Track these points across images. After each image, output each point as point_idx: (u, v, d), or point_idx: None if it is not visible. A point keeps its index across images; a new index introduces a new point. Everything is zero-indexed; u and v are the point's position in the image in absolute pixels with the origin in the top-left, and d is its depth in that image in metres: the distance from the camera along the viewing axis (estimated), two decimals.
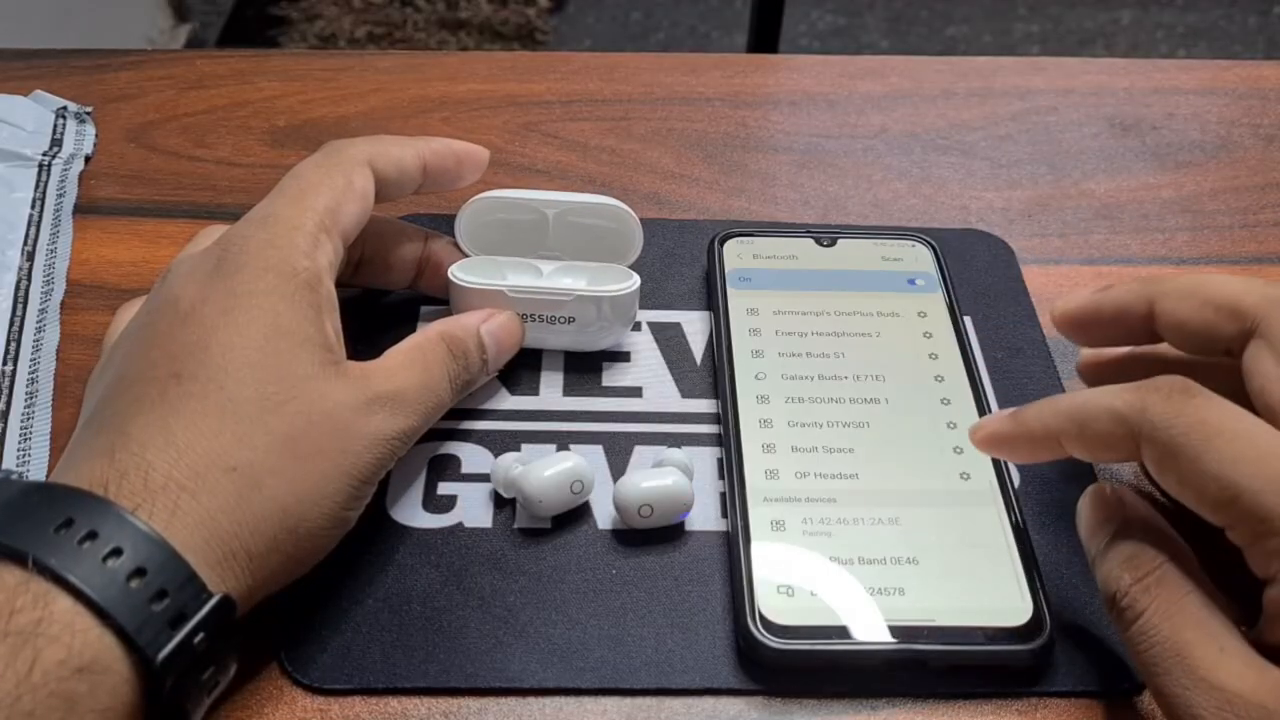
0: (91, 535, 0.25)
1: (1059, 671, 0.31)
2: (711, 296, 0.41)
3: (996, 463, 0.35)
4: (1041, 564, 0.32)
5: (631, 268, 0.39)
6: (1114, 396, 0.29)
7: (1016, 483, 0.35)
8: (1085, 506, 0.31)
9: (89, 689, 0.24)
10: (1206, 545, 0.29)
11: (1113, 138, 0.51)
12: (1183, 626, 0.27)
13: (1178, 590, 0.28)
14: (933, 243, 0.43)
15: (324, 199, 0.33)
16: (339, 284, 0.33)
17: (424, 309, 0.40)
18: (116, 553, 0.25)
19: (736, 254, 0.42)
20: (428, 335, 0.34)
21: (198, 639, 0.25)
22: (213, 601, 0.26)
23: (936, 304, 0.40)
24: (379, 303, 0.40)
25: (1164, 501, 0.33)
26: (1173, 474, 0.27)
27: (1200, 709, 0.26)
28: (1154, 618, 0.27)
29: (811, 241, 0.43)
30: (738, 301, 0.40)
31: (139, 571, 0.25)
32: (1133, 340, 0.34)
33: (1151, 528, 0.29)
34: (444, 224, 0.41)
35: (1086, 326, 0.34)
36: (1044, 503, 0.35)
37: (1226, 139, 0.51)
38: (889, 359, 0.38)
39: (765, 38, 1.21)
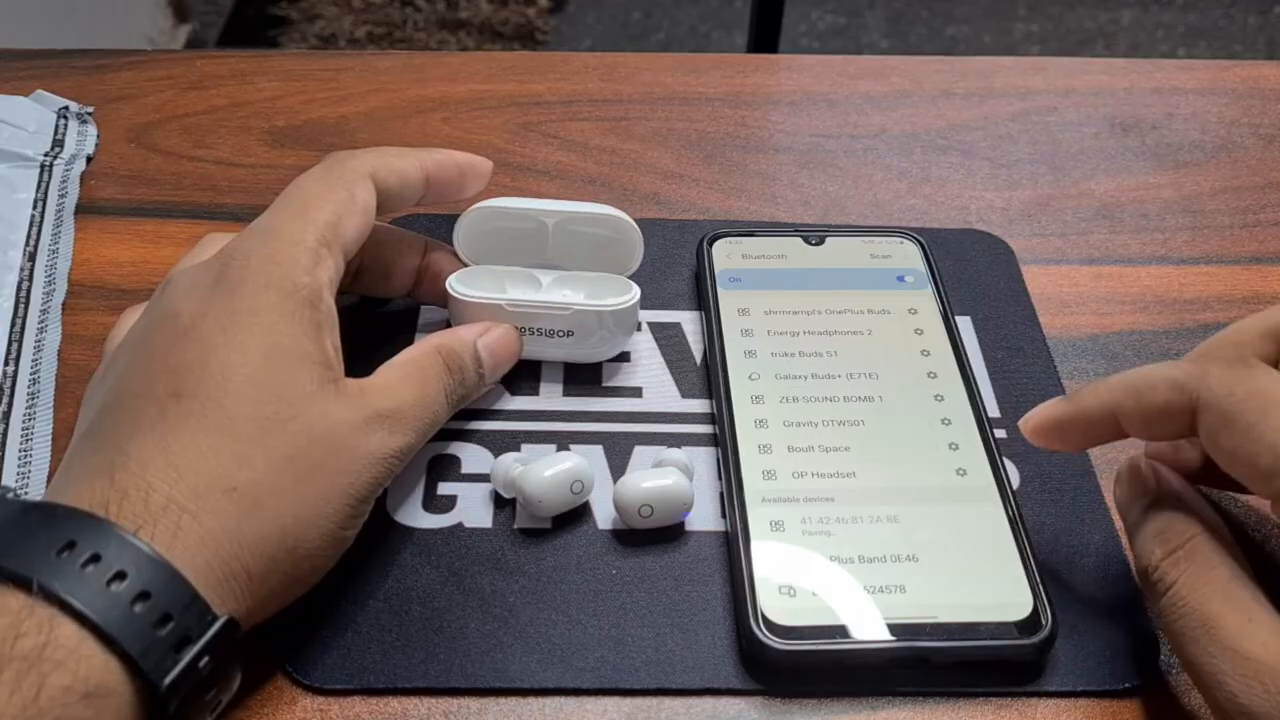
0: (95, 558, 0.25)
1: (1060, 669, 0.31)
2: (702, 297, 0.41)
3: (992, 458, 0.35)
4: (1041, 561, 0.32)
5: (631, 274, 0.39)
6: (1172, 367, 0.29)
7: (1015, 480, 0.35)
8: (1121, 481, 0.32)
9: (95, 714, 0.24)
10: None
11: (1113, 138, 0.51)
12: (1210, 598, 0.27)
13: (1207, 563, 0.28)
14: (920, 239, 0.43)
15: (326, 213, 0.32)
16: (338, 292, 0.33)
17: (424, 311, 0.40)
18: (120, 576, 0.25)
19: (725, 254, 0.42)
20: (424, 350, 0.34)
21: (203, 662, 0.25)
22: (217, 624, 0.26)
23: (926, 300, 0.40)
24: (378, 310, 0.40)
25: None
26: (1228, 443, 0.28)
27: (1227, 677, 0.26)
28: (1182, 590, 0.28)
29: (800, 240, 0.43)
30: (728, 302, 0.40)
31: (143, 595, 0.25)
32: (1107, 440, 0.32)
33: (1183, 501, 0.30)
34: (443, 225, 0.41)
35: (1068, 431, 0.32)
36: (1043, 500, 0.35)
37: (1226, 139, 0.51)
38: (881, 356, 0.38)
39: (765, 38, 1.21)
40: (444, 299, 0.38)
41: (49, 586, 0.24)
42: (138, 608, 0.25)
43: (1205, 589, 0.28)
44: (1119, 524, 0.35)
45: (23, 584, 0.24)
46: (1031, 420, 0.32)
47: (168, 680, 0.25)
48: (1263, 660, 0.26)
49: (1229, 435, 0.28)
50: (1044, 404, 0.32)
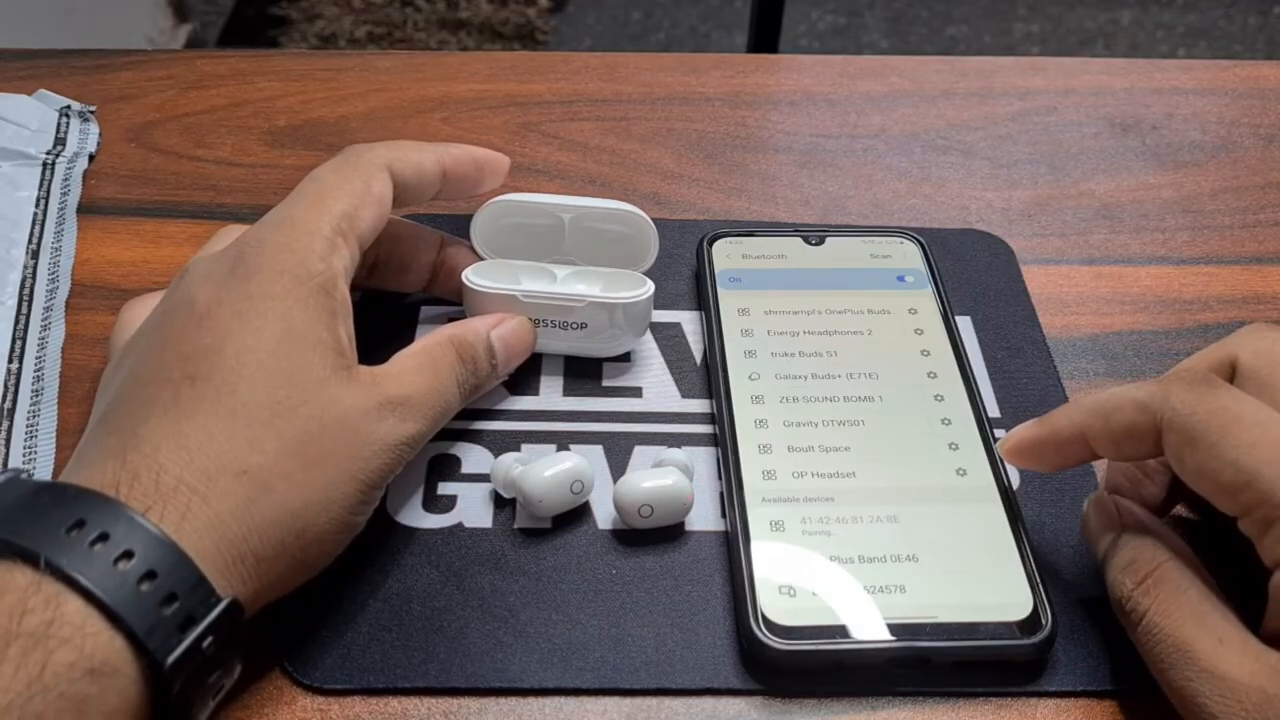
0: (103, 537, 0.25)
1: (1059, 670, 0.31)
2: (702, 297, 0.41)
3: (992, 458, 0.35)
4: (1041, 561, 0.32)
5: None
6: (1137, 388, 0.30)
7: (1015, 481, 0.35)
8: (1088, 515, 0.32)
9: (99, 691, 0.24)
10: (1215, 552, 0.30)
11: (1113, 138, 0.51)
12: (1182, 623, 0.28)
13: (1176, 588, 0.29)
14: (920, 239, 0.43)
15: (342, 203, 0.33)
16: (353, 287, 0.33)
17: (424, 310, 0.40)
18: (128, 555, 0.25)
19: (725, 254, 0.42)
20: (437, 340, 0.34)
21: (206, 643, 0.26)
22: (221, 605, 0.26)
23: (927, 300, 0.40)
24: (381, 304, 0.40)
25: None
26: (1191, 461, 0.28)
27: (1205, 699, 0.27)
28: (1155, 617, 0.29)
29: (800, 240, 0.43)
30: (728, 302, 0.40)
31: (150, 574, 0.25)
32: (1081, 461, 0.33)
33: (1149, 531, 0.31)
34: (458, 223, 0.41)
35: (1042, 452, 0.33)
36: (1043, 501, 0.35)
37: (1226, 139, 0.51)
38: (881, 356, 0.38)
39: (765, 38, 1.21)
40: (459, 294, 0.38)
41: (56, 563, 0.24)
42: (144, 587, 0.25)
43: (1177, 614, 0.28)
44: None
45: (31, 560, 0.24)
46: (1008, 442, 0.33)
47: (171, 659, 0.25)
48: (1238, 680, 0.26)
49: (1192, 453, 0.28)
50: (1020, 426, 0.33)
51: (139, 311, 0.33)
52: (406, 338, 0.39)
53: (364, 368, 0.31)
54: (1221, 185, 0.49)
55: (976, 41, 1.83)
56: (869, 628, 0.30)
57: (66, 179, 0.46)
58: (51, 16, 1.40)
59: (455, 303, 0.40)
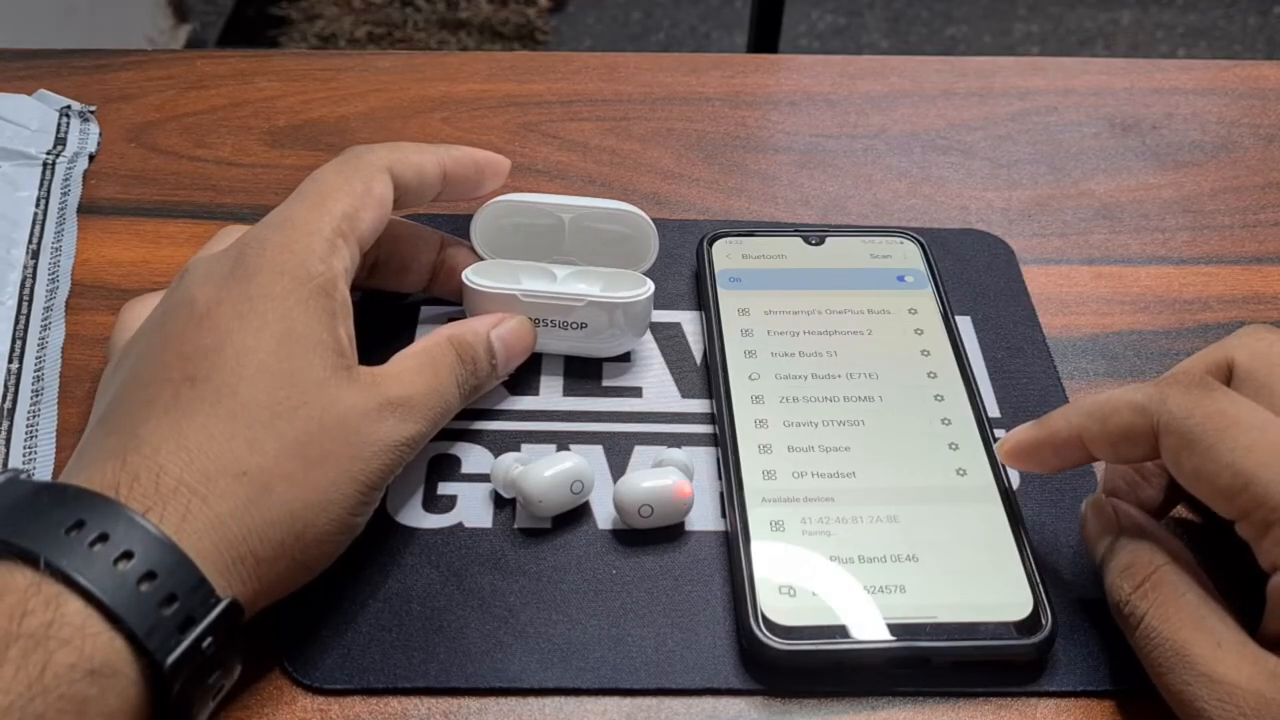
0: (103, 538, 0.25)
1: (1059, 670, 0.31)
2: (702, 297, 0.41)
3: (992, 458, 0.35)
4: (1041, 561, 0.32)
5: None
6: (1135, 391, 0.30)
7: (1015, 481, 0.35)
8: (1086, 518, 0.32)
9: (99, 692, 0.24)
10: (1212, 554, 0.30)
11: (1113, 138, 0.51)
12: (1180, 626, 0.28)
13: (1174, 592, 0.29)
14: (920, 239, 0.43)
15: (342, 204, 0.33)
16: (353, 287, 0.33)
17: (424, 310, 0.40)
18: (127, 556, 0.25)
19: (725, 254, 0.42)
20: (437, 340, 0.34)
21: (206, 643, 0.26)
22: (221, 606, 0.26)
23: (927, 300, 0.40)
24: (381, 304, 0.40)
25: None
26: (1189, 464, 0.28)
27: (1203, 702, 0.27)
28: (1153, 621, 0.29)
29: (800, 240, 0.43)
30: (728, 302, 0.40)
31: (149, 575, 0.25)
32: (1078, 463, 0.32)
33: (1147, 534, 0.31)
34: (458, 223, 0.41)
35: (1040, 453, 0.33)
36: (1043, 501, 0.35)
37: (1226, 139, 0.51)
38: (881, 356, 0.38)
39: (765, 38, 1.21)
40: (459, 294, 0.38)
41: (56, 564, 0.24)
42: (144, 587, 0.25)
43: (1175, 618, 0.28)
44: None
45: (31, 561, 0.24)
46: (1006, 444, 0.33)
47: (171, 660, 0.25)
48: (1235, 683, 0.27)
49: (1189, 456, 0.28)
50: (1018, 428, 0.33)
51: (139, 311, 0.33)
52: (406, 338, 0.39)
53: (364, 368, 0.31)
54: (1221, 185, 0.49)
55: (976, 41, 1.83)
56: (869, 628, 0.30)
57: (66, 179, 0.46)
58: (51, 16, 1.40)
59: (455, 303, 0.40)
